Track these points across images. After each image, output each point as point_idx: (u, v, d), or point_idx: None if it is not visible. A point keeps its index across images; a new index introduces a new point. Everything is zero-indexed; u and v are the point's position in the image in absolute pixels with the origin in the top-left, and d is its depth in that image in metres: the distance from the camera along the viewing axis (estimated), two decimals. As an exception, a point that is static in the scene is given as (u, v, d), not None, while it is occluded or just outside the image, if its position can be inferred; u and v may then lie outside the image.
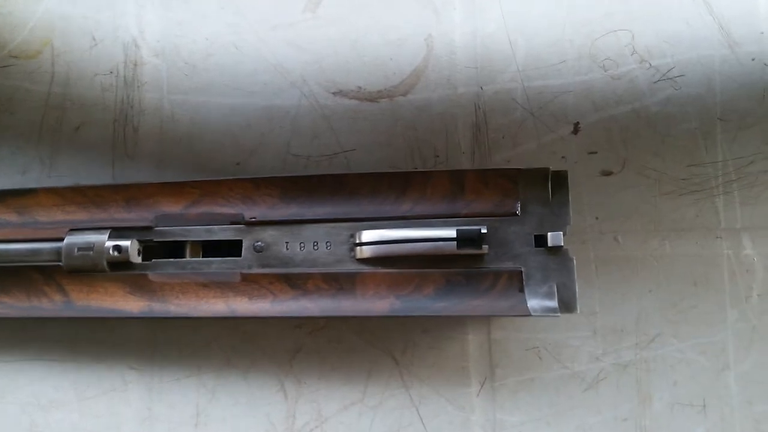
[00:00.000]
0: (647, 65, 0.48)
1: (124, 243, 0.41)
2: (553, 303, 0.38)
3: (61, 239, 0.41)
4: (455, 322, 0.47)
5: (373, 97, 0.49)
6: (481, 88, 0.49)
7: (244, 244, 0.41)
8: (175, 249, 0.42)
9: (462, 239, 0.38)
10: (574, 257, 0.38)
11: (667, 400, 0.45)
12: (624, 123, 0.48)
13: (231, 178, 0.43)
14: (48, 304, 0.43)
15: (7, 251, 0.42)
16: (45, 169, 0.51)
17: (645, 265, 0.46)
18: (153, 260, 0.42)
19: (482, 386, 0.46)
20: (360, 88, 0.50)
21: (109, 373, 0.48)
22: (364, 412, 0.46)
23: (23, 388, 0.49)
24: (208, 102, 0.51)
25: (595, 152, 0.48)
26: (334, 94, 0.50)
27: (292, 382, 0.47)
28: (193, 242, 0.42)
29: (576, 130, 0.48)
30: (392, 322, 0.47)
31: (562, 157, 0.48)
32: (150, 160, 0.50)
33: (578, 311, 0.38)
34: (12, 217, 0.44)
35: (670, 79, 0.48)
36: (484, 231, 0.38)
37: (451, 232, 0.38)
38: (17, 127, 0.52)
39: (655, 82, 0.48)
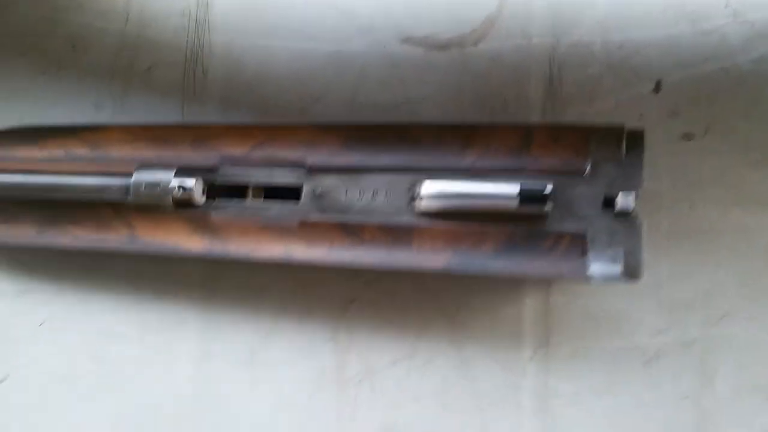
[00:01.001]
0: (742, 19, 0.45)
1: (189, 182, 0.41)
2: (617, 269, 0.36)
3: (130, 175, 0.42)
4: (513, 284, 0.46)
5: (443, 46, 0.48)
6: (558, 39, 0.47)
7: (305, 190, 0.41)
8: (237, 191, 0.42)
9: (525, 196, 0.37)
10: (644, 221, 0.36)
11: (733, 382, 0.43)
12: (711, 83, 0.45)
13: (295, 123, 0.43)
14: (114, 237, 0.44)
15: (80, 184, 0.44)
16: (117, 106, 0.52)
17: (722, 237, 0.44)
18: (215, 201, 0.42)
19: (536, 351, 0.45)
20: (429, 35, 0.48)
21: (169, 310, 0.50)
22: (413, 368, 0.46)
23: (88, 318, 0.50)
24: (276, 46, 0.50)
25: (677, 113, 0.45)
26: (403, 41, 0.49)
27: (345, 332, 0.47)
28: (255, 185, 0.42)
29: (657, 88, 0.45)
30: (449, 280, 0.46)
31: (640, 116, 0.45)
32: (217, 102, 0.51)
33: (642, 279, 0.36)
34: (84, 151, 0.45)
35: (768, 36, 0.44)
36: (549, 189, 0.37)
37: (515, 189, 0.37)
38: (91, 64, 0.53)
39: (749, 39, 0.44)
